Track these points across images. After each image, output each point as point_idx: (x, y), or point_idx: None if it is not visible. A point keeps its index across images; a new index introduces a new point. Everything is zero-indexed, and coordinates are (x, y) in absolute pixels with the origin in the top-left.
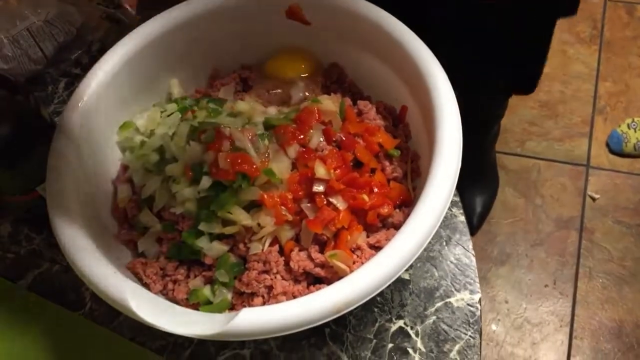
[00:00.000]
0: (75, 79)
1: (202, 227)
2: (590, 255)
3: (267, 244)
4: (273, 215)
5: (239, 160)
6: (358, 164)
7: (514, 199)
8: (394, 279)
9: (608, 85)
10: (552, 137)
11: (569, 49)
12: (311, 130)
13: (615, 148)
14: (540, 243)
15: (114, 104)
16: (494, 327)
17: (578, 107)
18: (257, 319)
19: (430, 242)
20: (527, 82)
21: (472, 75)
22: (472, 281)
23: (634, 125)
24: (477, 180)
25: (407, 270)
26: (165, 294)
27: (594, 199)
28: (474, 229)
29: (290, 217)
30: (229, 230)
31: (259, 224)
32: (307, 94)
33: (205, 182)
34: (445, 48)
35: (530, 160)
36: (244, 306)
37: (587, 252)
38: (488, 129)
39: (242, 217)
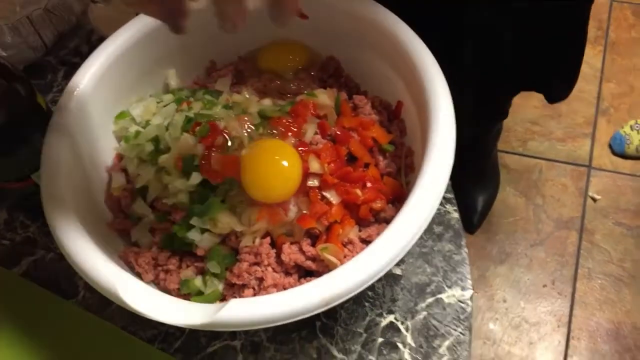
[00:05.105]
0: (74, 67)
1: (193, 222)
2: (589, 256)
3: (258, 239)
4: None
5: (230, 165)
6: (352, 159)
7: (514, 198)
8: (382, 274)
9: (612, 86)
10: (555, 137)
11: None
12: (306, 124)
13: (618, 149)
14: (540, 243)
15: (110, 93)
16: (491, 325)
17: (581, 107)
18: (245, 309)
19: (423, 238)
20: (564, 87)
21: (491, 77)
22: (463, 278)
23: (637, 127)
24: (478, 178)
25: (398, 265)
26: (157, 283)
27: (595, 200)
28: (474, 227)
29: (285, 217)
30: (219, 229)
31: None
32: (301, 86)
33: (195, 178)
34: (469, 49)
35: (532, 160)
36: (235, 297)
37: (587, 253)
38: (491, 127)
39: (232, 223)
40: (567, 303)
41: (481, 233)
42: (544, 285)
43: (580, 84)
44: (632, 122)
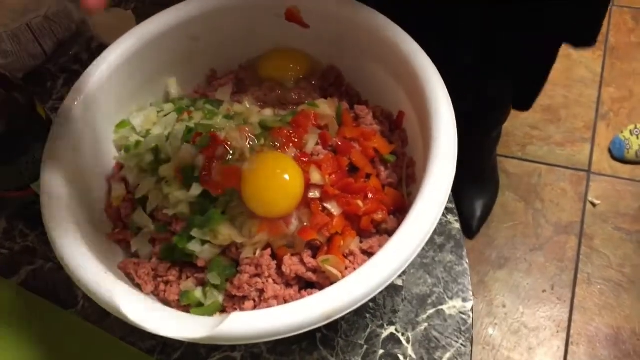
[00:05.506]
0: (74, 75)
1: (194, 233)
2: (589, 261)
3: (258, 250)
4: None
5: (231, 176)
6: (353, 169)
7: (514, 203)
8: (384, 287)
9: (611, 91)
10: (554, 142)
11: (573, 54)
12: (307, 135)
13: (617, 154)
14: (540, 248)
15: (111, 101)
16: (490, 331)
17: (581, 112)
18: (246, 323)
19: (424, 249)
20: (526, 99)
21: (484, 81)
22: (465, 289)
23: (636, 131)
24: (478, 183)
25: (399, 276)
26: (157, 295)
27: (594, 205)
28: (473, 232)
29: (286, 230)
30: (219, 241)
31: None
32: (302, 96)
33: (195, 189)
34: (461, 52)
35: (532, 165)
36: (235, 309)
37: (586, 258)
38: (490, 132)
39: (232, 234)
40: (567, 308)
41: (480, 238)
42: (544, 291)
43: (580, 88)
44: (631, 127)
